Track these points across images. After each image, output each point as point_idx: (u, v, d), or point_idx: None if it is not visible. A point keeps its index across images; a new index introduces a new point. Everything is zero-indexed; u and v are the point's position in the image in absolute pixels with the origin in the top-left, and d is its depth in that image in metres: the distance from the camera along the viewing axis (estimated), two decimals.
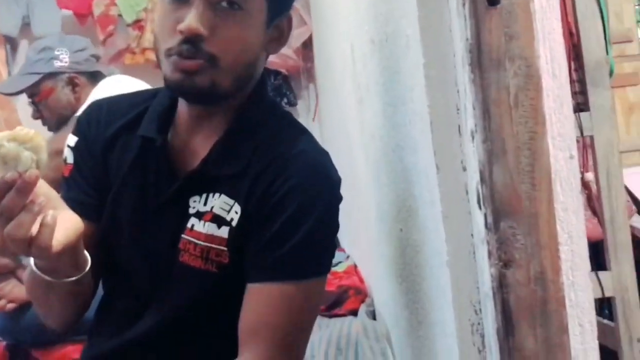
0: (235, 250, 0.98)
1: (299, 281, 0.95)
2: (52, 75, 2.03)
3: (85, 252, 0.93)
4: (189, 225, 1.00)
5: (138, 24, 3.36)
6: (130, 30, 3.37)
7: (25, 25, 3.35)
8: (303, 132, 1.05)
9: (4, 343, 1.82)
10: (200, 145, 1.02)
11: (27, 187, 0.78)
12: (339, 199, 1.00)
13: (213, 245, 0.98)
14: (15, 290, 1.68)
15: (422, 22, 0.94)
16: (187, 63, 0.93)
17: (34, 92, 2.07)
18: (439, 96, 0.92)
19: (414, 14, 0.96)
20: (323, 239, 0.98)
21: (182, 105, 1.04)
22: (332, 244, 1.02)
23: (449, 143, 0.91)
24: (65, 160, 1.08)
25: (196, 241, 0.99)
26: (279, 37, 1.03)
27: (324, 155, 1.02)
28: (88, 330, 1.13)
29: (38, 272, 0.90)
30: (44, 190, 0.82)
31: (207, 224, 0.98)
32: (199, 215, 0.99)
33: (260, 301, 0.95)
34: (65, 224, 0.83)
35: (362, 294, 1.97)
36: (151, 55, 3.37)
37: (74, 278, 0.92)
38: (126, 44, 3.35)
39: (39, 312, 1.06)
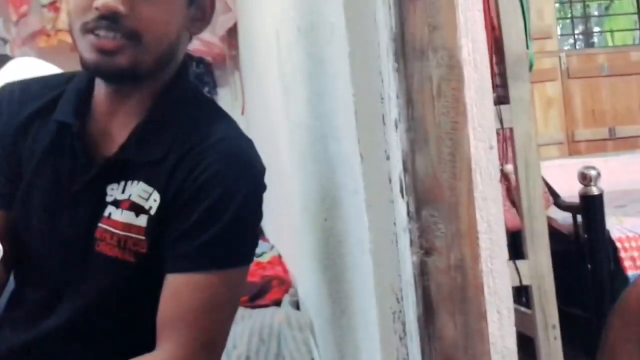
0: (154, 239, 0.95)
1: (220, 271, 0.93)
2: None
3: None
4: (106, 213, 0.96)
5: (53, 5, 3.22)
6: (45, 12, 3.23)
7: None
8: (225, 119, 1.03)
9: None
10: (119, 130, 0.99)
11: None
12: (261, 187, 0.99)
13: (131, 234, 0.95)
14: None
15: (347, 10, 0.93)
16: (106, 42, 0.90)
17: None
18: (364, 85, 0.92)
19: (339, 2, 0.95)
20: (245, 228, 0.96)
21: (100, 88, 1.00)
22: (254, 234, 1.00)
23: (372, 132, 0.91)
24: None
25: (113, 230, 0.95)
26: (202, 17, 1.01)
27: (247, 142, 1.00)
28: None
29: None
30: None
31: (124, 212, 0.95)
32: (117, 203, 0.96)
33: (179, 291, 0.93)
34: None
35: (285, 284, 1.96)
36: (66, 38, 3.24)
37: None
38: (40, 26, 3.21)
39: None
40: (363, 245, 0.96)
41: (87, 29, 0.90)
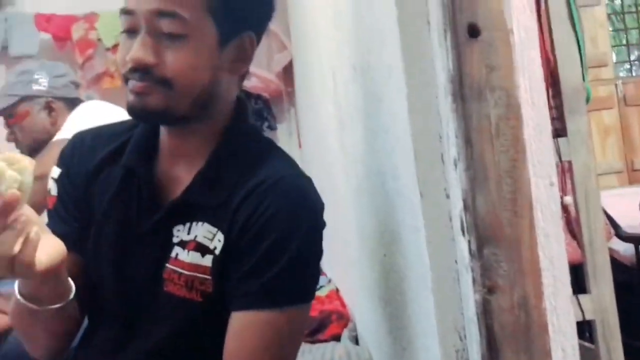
0: (219, 278, 0.97)
1: (282, 308, 0.95)
2: (29, 98, 2.03)
3: (70, 281, 0.95)
4: (173, 254, 1.00)
5: (117, 48, 3.35)
6: (109, 54, 3.36)
7: (4, 49, 3.33)
8: (284, 158, 1.06)
9: None
10: (183, 173, 1.03)
11: (8, 207, 0.79)
12: (321, 224, 1.01)
13: (197, 274, 0.98)
14: None
15: (404, 52, 0.96)
16: (137, 85, 0.95)
17: (10, 114, 2.07)
18: (422, 124, 0.94)
19: (395, 44, 0.98)
20: (306, 266, 0.98)
21: (163, 134, 1.04)
22: (315, 271, 1.02)
23: (431, 170, 0.93)
24: (49, 192, 1.08)
25: (180, 270, 0.98)
26: (242, 57, 1.02)
27: (306, 180, 1.02)
28: None
29: (22, 300, 0.91)
30: (28, 212, 0.83)
31: (191, 252, 0.98)
32: (183, 244, 0.99)
33: (243, 329, 0.95)
34: (48, 247, 0.85)
35: (344, 318, 1.96)
36: None
37: (57, 305, 0.93)
38: (104, 68, 3.34)
39: (24, 342, 1.05)
40: (424, 282, 0.97)
41: (126, 79, 0.97)
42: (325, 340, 1.84)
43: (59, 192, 1.08)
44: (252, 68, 2.92)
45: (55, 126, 2.01)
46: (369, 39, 1.24)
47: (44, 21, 3.34)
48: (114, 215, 1.04)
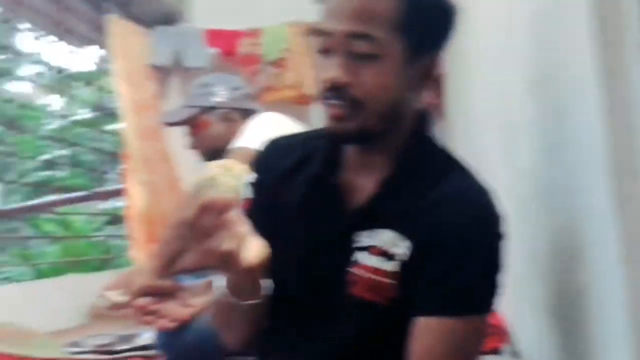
0: (403, 284, 1.01)
1: (466, 317, 0.98)
2: (209, 109, 2.19)
3: (265, 279, 1.03)
4: (356, 258, 1.04)
5: (280, 62, 3.53)
6: (271, 69, 3.53)
7: (177, 63, 3.59)
8: (466, 169, 1.08)
9: (164, 358, 1.93)
10: (366, 183, 1.07)
11: (227, 207, 0.88)
12: (502, 236, 1.02)
13: (382, 279, 1.02)
14: (177, 310, 1.79)
15: (597, 64, 0.95)
16: (334, 111, 1.01)
17: (191, 124, 2.23)
18: (617, 138, 0.92)
19: (585, 56, 0.97)
20: (490, 276, 1.01)
21: (349, 146, 1.09)
22: (498, 283, 1.03)
23: (627, 185, 0.91)
24: (244, 195, 1.16)
25: (365, 274, 1.03)
26: (428, 74, 1.06)
27: (489, 193, 1.04)
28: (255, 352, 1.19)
29: (227, 293, 1.01)
30: (239, 213, 0.92)
31: (375, 258, 1.02)
32: (367, 249, 1.03)
33: (426, 334, 0.98)
34: (255, 246, 0.93)
35: (502, 333, 1.93)
36: (290, 93, 3.53)
37: (255, 301, 1.02)
38: (267, 82, 3.51)
39: (220, 331, 1.14)
40: (612, 299, 0.95)
41: (321, 98, 1.03)
42: (485, 353, 1.82)
43: (254, 196, 1.16)
44: None
45: (233, 135, 2.15)
46: (551, 51, 1.23)
47: (213, 36, 3.56)
48: (302, 220, 1.10)
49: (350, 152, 1.09)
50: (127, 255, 5.42)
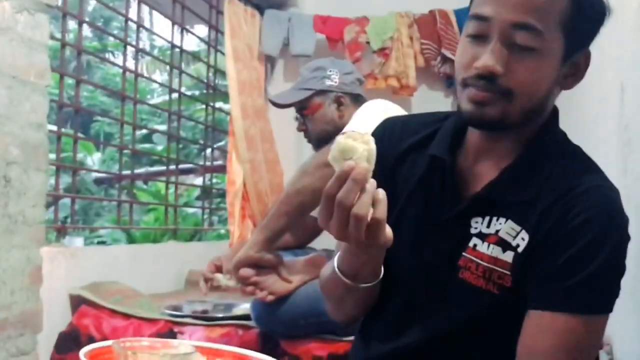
0: (519, 275, 0.99)
1: (583, 315, 0.95)
2: (322, 92, 2.24)
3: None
4: (470, 244, 1.03)
5: (383, 51, 3.54)
6: (375, 57, 3.55)
7: (285, 47, 3.67)
8: (594, 167, 1.05)
9: (257, 330, 2.01)
10: (487, 170, 1.06)
11: (363, 174, 0.87)
12: (628, 238, 0.99)
13: (496, 268, 1.00)
14: (277, 284, 1.85)
15: None
16: (479, 94, 0.98)
17: (303, 106, 2.28)
18: None
19: None
20: (611, 277, 0.97)
21: (473, 130, 1.08)
22: (617, 284, 0.99)
23: None
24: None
25: (479, 261, 1.02)
26: (575, 73, 1.04)
27: (616, 193, 1.02)
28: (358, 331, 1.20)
29: (342, 277, 1.02)
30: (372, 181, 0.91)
31: (491, 246, 1.01)
32: (482, 236, 1.03)
33: (541, 328, 0.96)
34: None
35: None
36: (393, 82, 3.54)
37: (369, 284, 1.03)
38: (370, 70, 3.53)
39: (331, 307, 1.16)
40: None
41: (466, 84, 1.00)
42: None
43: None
44: None
45: (342, 119, 2.19)
46: None
47: (320, 22, 3.61)
48: (417, 201, 1.09)
49: (474, 137, 1.08)
50: (219, 228, 5.59)
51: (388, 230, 0.94)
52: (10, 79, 1.83)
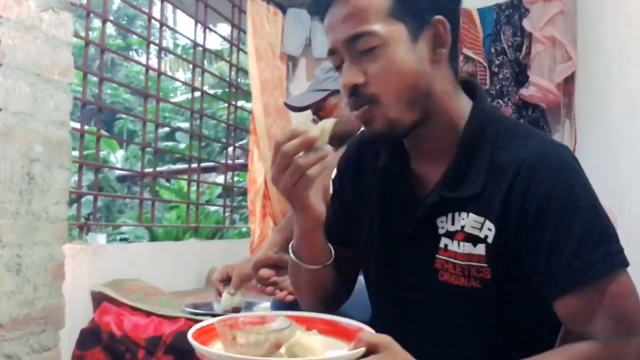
0: (496, 265, 0.97)
1: (604, 277, 0.92)
2: (338, 92, 2.22)
3: (330, 249, 1.13)
4: (441, 245, 1.02)
5: None
6: None
7: (307, 47, 3.67)
8: (533, 133, 1.03)
9: None
10: (433, 170, 1.05)
11: (313, 136, 0.94)
12: (587, 180, 0.96)
13: (472, 263, 0.99)
14: None
15: None
16: (358, 112, 1.01)
17: (319, 107, 2.26)
18: None
19: None
20: (597, 226, 0.94)
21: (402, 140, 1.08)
22: (612, 232, 0.94)
23: None
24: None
25: (454, 260, 1.00)
26: (439, 43, 1.01)
27: (563, 148, 0.99)
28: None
29: (292, 255, 1.13)
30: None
31: (461, 243, 1.00)
32: (450, 235, 1.01)
33: (573, 313, 0.93)
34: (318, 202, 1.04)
35: None
36: None
37: (313, 267, 1.12)
38: None
39: (294, 289, 1.26)
40: None
41: (350, 107, 1.02)
42: None
43: (334, 189, 1.22)
44: (532, 77, 2.93)
45: None
46: None
47: None
48: (378, 211, 1.12)
49: (410, 142, 1.08)
50: (241, 226, 5.60)
51: (319, 210, 1.03)
52: (34, 76, 1.84)
